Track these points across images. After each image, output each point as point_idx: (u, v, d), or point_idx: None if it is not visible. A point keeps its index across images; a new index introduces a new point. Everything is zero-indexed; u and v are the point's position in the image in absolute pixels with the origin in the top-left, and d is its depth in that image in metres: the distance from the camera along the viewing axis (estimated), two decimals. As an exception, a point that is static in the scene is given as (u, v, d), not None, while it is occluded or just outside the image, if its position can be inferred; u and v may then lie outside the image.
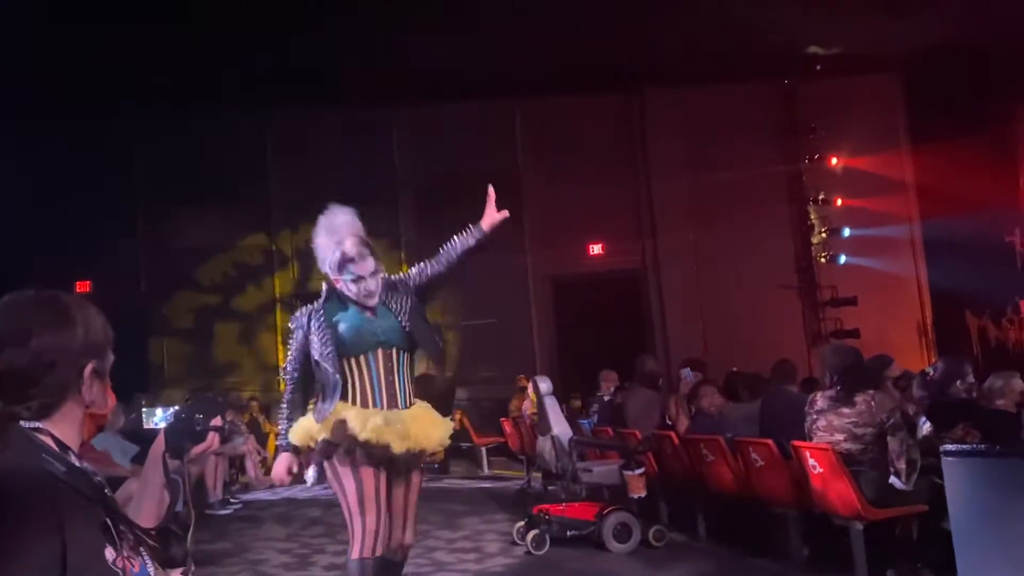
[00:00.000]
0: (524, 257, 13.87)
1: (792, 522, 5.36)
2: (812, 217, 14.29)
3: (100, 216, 12.11)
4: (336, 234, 3.70)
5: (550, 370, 11.30)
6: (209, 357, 13.81)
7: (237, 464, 10.13)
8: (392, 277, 3.88)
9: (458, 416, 11.91)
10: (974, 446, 3.81)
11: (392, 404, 3.69)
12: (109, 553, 1.27)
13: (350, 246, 3.69)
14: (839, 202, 14.12)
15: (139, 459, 5.70)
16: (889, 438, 4.83)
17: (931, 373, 5.59)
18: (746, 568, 5.55)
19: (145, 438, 6.19)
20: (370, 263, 3.70)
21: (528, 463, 8.93)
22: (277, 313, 14.12)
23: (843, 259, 14.06)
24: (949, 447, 3.65)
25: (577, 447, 6.66)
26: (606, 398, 8.60)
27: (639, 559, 5.76)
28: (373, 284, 3.72)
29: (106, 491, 1.35)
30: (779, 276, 14.14)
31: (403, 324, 3.77)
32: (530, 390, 8.07)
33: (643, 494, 6.15)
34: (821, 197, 14.14)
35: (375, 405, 3.67)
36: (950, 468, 3.11)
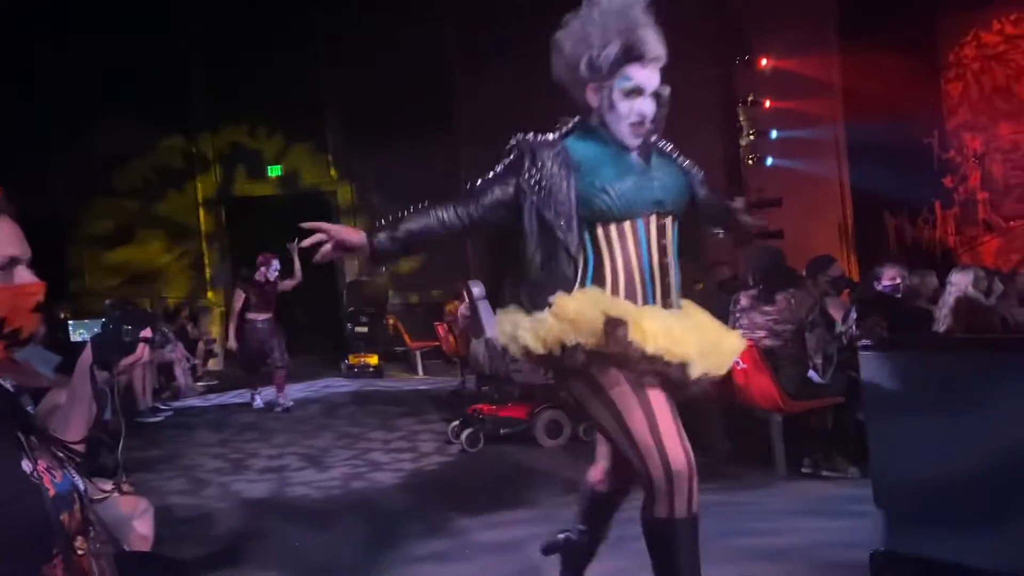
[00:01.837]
0: (457, 159, 13.69)
1: (715, 416, 5.59)
2: (740, 119, 14.37)
3: (8, 117, 11.45)
4: (618, 20, 2.44)
5: (483, 274, 11.33)
6: (132, 264, 13.44)
7: (166, 372, 10.02)
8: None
9: (392, 321, 11.92)
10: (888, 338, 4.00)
11: (666, 300, 2.46)
12: (26, 465, 1.25)
13: (645, 37, 2.46)
14: (768, 104, 14.20)
15: (63, 368, 5.57)
16: (807, 335, 5.04)
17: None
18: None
19: (68, 347, 6.03)
20: (657, 77, 2.55)
21: (462, 365, 9.02)
22: (200, 217, 13.75)
23: (770, 161, 14.25)
24: (865, 341, 3.82)
25: (510, 349, 6.74)
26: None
27: (570, 453, 5.95)
28: (650, 107, 2.52)
29: (20, 403, 1.32)
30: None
31: (692, 179, 2.69)
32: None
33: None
34: (750, 99, 14.20)
35: (644, 300, 2.42)
36: (865, 361, 3.27)
